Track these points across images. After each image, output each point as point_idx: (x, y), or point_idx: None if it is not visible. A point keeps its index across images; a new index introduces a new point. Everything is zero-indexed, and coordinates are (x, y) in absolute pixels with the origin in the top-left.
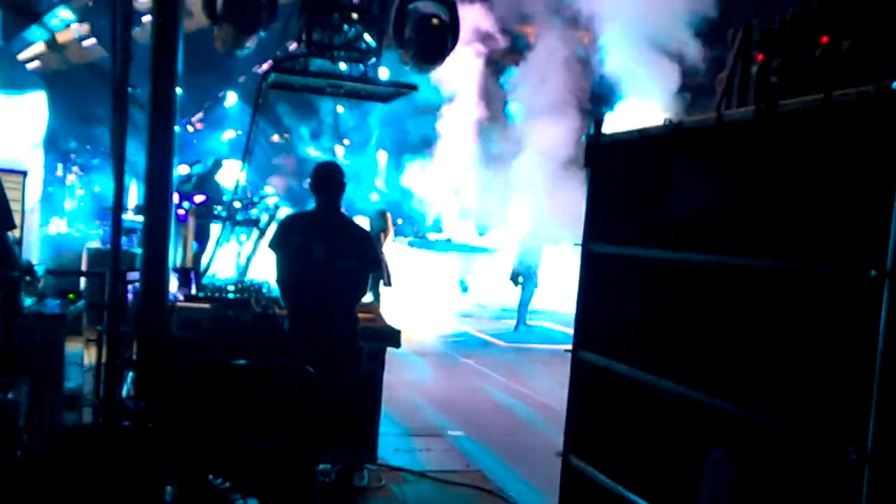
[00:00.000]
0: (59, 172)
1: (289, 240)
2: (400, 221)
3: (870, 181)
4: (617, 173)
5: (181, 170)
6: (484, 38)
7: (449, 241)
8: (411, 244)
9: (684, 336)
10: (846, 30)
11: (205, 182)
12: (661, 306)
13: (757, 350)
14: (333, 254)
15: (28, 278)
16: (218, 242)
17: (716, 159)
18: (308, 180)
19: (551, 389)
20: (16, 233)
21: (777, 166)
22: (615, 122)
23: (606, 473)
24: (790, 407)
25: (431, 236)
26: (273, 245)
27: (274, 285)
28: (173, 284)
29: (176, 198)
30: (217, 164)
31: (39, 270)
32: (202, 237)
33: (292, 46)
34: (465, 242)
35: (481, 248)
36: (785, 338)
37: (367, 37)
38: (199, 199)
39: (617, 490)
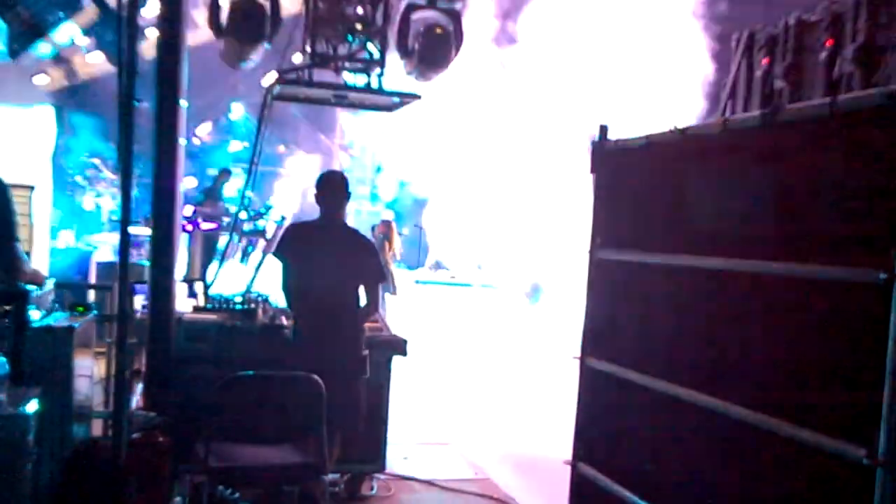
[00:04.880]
0: (67, 186)
1: (293, 248)
2: (406, 231)
3: (878, 185)
4: (623, 179)
5: (188, 182)
6: None
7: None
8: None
9: (692, 341)
10: (851, 33)
11: (212, 193)
12: (668, 311)
13: (766, 354)
14: (337, 265)
15: (36, 289)
16: (224, 254)
17: (722, 165)
18: (314, 190)
19: (559, 397)
20: (25, 246)
21: (784, 171)
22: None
23: (615, 481)
24: (801, 411)
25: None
26: (278, 253)
27: (276, 296)
28: (181, 296)
29: (189, 210)
30: (226, 174)
31: (47, 285)
32: (210, 249)
33: (296, 58)
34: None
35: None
36: (795, 342)
37: (370, 47)
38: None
39: (626, 497)
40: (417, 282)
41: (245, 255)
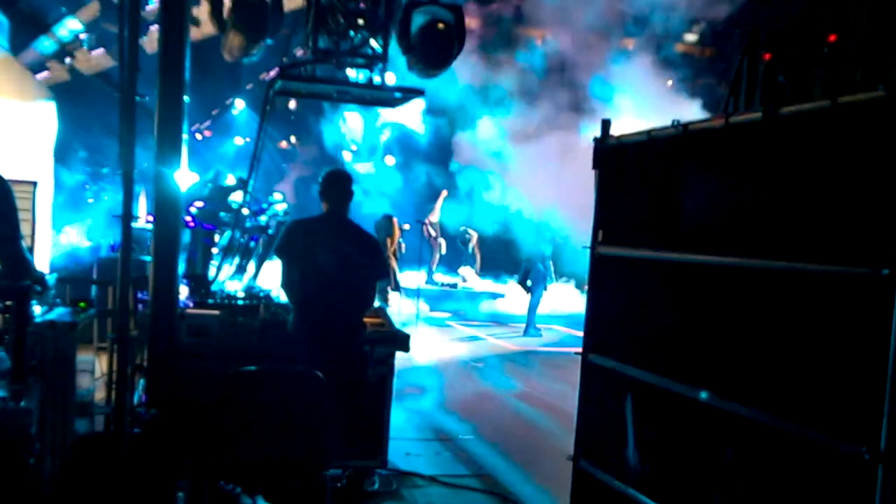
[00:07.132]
0: (69, 182)
1: (294, 245)
2: (407, 227)
3: (880, 181)
4: (625, 176)
5: (190, 178)
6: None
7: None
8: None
9: (694, 338)
10: (853, 29)
11: (221, 196)
12: (670, 308)
13: (768, 351)
14: (339, 260)
15: (38, 288)
16: (227, 250)
17: (724, 161)
18: (317, 186)
19: (562, 393)
20: (27, 242)
21: (786, 168)
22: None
23: (617, 477)
24: (803, 407)
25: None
26: (279, 250)
27: (278, 292)
28: (183, 292)
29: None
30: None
31: (51, 280)
32: (211, 244)
33: (299, 53)
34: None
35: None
36: (797, 338)
37: (373, 42)
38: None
39: (627, 493)
40: (418, 289)
41: (245, 256)
